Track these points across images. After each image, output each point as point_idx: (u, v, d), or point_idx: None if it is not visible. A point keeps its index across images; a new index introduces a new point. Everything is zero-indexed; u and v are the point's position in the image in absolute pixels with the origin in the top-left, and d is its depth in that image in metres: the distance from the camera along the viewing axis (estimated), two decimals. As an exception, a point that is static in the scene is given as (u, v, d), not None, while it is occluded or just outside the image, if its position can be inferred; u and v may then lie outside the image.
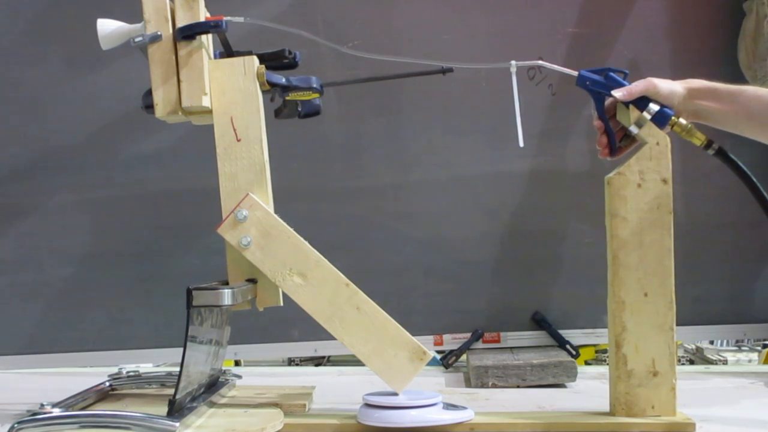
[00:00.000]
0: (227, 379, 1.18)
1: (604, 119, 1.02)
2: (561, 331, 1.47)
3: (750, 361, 3.19)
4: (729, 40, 1.47)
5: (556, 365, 1.30)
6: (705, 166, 1.36)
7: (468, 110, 1.49)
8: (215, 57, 1.05)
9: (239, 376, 1.23)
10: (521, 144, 1.06)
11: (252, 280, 1.03)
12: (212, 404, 1.05)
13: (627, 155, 1.02)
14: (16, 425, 0.90)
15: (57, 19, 1.48)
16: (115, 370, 1.26)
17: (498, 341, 1.49)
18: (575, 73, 1.02)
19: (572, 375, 1.31)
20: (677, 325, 0.98)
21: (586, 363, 2.29)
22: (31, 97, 1.50)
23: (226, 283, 1.04)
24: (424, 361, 0.99)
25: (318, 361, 2.78)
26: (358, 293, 1.00)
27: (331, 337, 1.00)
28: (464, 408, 0.99)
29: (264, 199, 1.01)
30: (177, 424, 0.90)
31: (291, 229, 1.01)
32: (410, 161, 1.50)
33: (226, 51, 1.05)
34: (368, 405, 0.98)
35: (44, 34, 1.49)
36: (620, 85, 1.00)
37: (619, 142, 1.04)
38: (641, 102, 0.98)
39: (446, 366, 1.48)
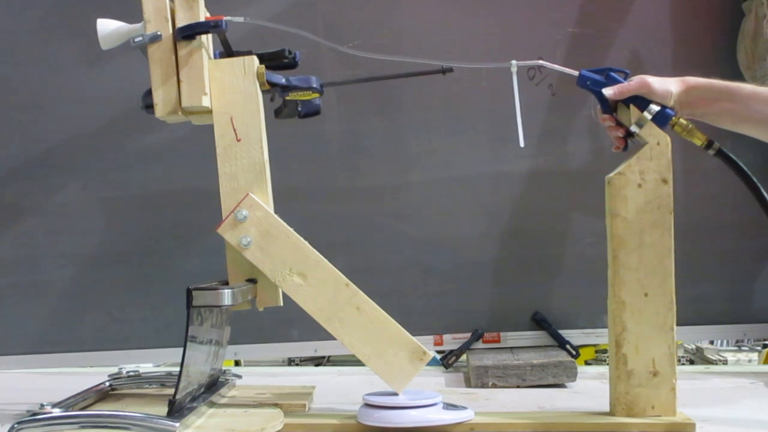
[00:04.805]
0: (227, 379, 1.18)
1: (612, 114, 1.02)
2: (561, 331, 1.47)
3: (750, 361, 3.19)
4: (729, 40, 1.47)
5: (556, 365, 1.30)
6: (705, 166, 1.36)
7: (468, 110, 1.49)
8: (215, 57, 1.05)
9: (239, 376, 1.23)
10: (521, 144, 1.06)
11: (252, 280, 1.03)
12: (212, 404, 1.05)
13: (628, 155, 1.02)
14: (16, 425, 0.90)
15: (57, 19, 1.48)
16: (115, 370, 1.26)
17: (498, 341, 1.49)
18: (576, 73, 1.02)
19: (572, 375, 1.31)
20: (677, 325, 0.98)
21: (586, 363, 2.29)
22: (31, 97, 1.50)
23: (226, 283, 1.04)
24: (424, 361, 0.99)
25: (318, 361, 2.78)
26: (358, 293, 1.00)
27: (331, 337, 1.00)
28: (464, 408, 0.99)
29: (264, 199, 1.01)
30: (177, 424, 0.90)
31: (291, 229, 1.01)
32: (410, 161, 1.50)
33: (226, 51, 1.05)
34: (368, 405, 0.98)
35: (44, 33, 1.49)
36: (617, 84, 1.00)
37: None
38: (641, 102, 0.98)
39: (446, 366, 1.48)
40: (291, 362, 2.77)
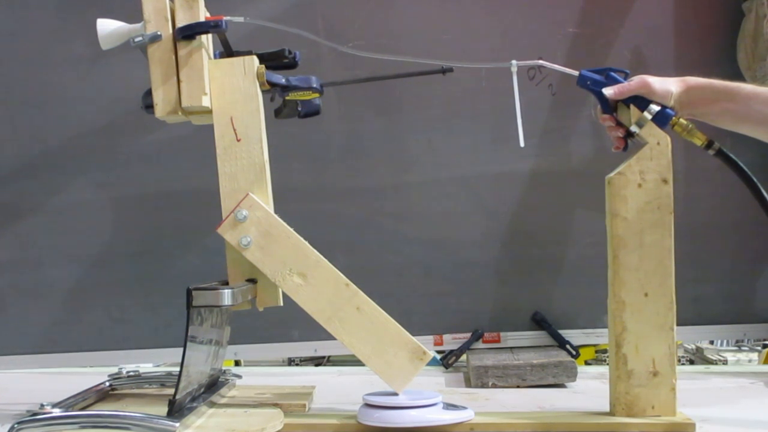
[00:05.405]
0: (227, 379, 1.18)
1: (612, 114, 1.02)
2: (561, 331, 1.47)
3: (750, 361, 3.19)
4: (729, 40, 1.47)
5: (556, 365, 1.30)
6: (705, 166, 1.36)
7: (468, 110, 1.49)
8: (215, 57, 1.05)
9: (239, 376, 1.23)
10: (522, 144, 1.06)
11: (252, 280, 1.03)
12: (212, 404, 1.05)
13: (628, 154, 1.02)
14: (16, 425, 0.90)
15: (57, 19, 1.48)
16: (115, 370, 1.26)
17: (498, 341, 1.49)
18: (576, 73, 1.02)
19: (572, 375, 1.31)
20: (677, 325, 0.98)
21: (586, 363, 2.29)
22: (31, 97, 1.50)
23: (226, 283, 1.04)
24: (424, 361, 0.99)
25: (318, 361, 2.78)
26: (358, 293, 1.00)
27: (331, 337, 1.00)
28: (464, 408, 0.99)
29: (264, 199, 1.01)
30: (177, 424, 0.90)
31: (291, 229, 1.01)
32: (410, 161, 1.50)
33: (226, 51, 1.05)
34: (368, 405, 0.98)
35: (44, 33, 1.49)
36: (617, 84, 1.00)
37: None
38: (641, 102, 0.98)
39: (446, 366, 1.48)
40: (291, 362, 2.77)
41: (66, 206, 1.50)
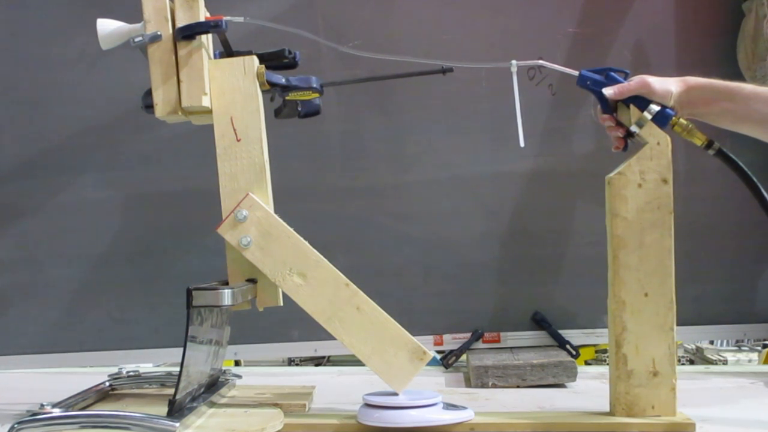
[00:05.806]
0: (227, 379, 1.18)
1: (612, 114, 1.02)
2: (561, 331, 1.47)
3: (750, 361, 3.19)
4: (729, 40, 1.47)
5: (556, 365, 1.30)
6: (705, 166, 1.36)
7: (468, 110, 1.49)
8: (215, 57, 1.05)
9: (239, 376, 1.23)
10: (522, 144, 1.06)
11: (252, 280, 1.03)
12: (212, 404, 1.05)
13: (628, 154, 1.02)
14: (16, 425, 0.90)
15: (57, 19, 1.48)
16: (115, 370, 1.26)
17: (498, 341, 1.49)
18: (576, 73, 1.02)
19: (572, 375, 1.31)
20: (677, 325, 0.98)
21: (586, 363, 2.29)
22: (31, 97, 1.50)
23: (226, 283, 1.04)
24: (424, 361, 0.99)
25: (318, 361, 2.78)
26: (358, 293, 1.00)
27: (331, 337, 1.00)
28: (464, 408, 0.99)
29: (264, 199, 1.01)
30: (177, 424, 0.90)
31: (291, 229, 1.01)
32: (410, 161, 1.50)
33: (226, 51, 1.05)
34: (368, 405, 0.98)
35: (44, 34, 1.49)
36: (617, 84, 1.00)
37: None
38: (641, 102, 0.98)
39: (446, 366, 1.48)
40: (291, 362, 2.77)
41: (66, 206, 1.51)
